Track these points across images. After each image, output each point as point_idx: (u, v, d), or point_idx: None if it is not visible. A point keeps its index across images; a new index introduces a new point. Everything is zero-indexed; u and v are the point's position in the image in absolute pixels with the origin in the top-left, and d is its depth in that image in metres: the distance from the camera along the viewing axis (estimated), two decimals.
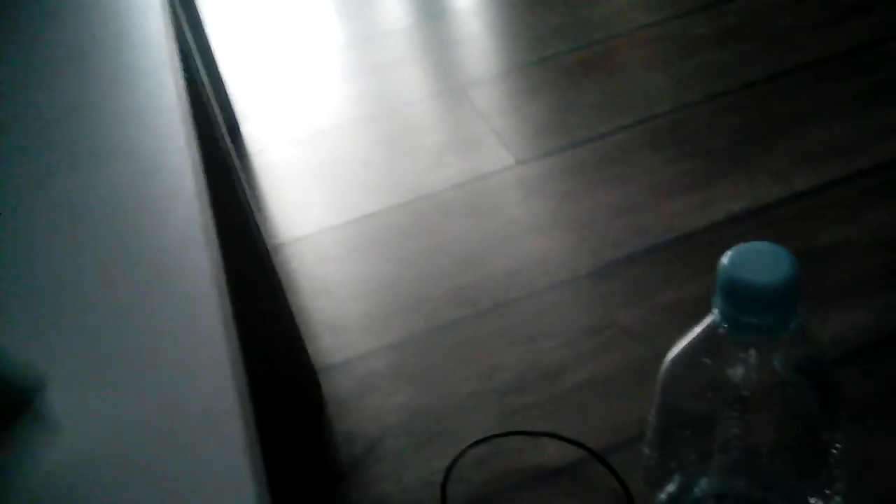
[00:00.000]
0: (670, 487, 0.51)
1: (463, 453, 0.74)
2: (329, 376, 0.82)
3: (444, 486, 0.72)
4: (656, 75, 1.11)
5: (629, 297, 0.86)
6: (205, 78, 0.66)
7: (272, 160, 1.09)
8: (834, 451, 0.47)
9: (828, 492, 0.47)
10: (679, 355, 0.47)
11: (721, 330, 0.42)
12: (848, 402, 0.73)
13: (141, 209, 0.32)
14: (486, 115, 1.09)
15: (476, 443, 0.75)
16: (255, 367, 0.74)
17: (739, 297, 0.40)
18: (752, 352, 0.44)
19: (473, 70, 1.18)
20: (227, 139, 0.61)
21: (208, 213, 0.31)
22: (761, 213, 0.91)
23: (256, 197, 1.04)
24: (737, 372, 0.46)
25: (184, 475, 0.24)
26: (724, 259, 0.41)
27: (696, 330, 0.45)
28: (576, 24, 1.21)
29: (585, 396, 0.78)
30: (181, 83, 0.38)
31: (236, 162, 0.63)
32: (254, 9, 1.39)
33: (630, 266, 0.88)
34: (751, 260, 0.40)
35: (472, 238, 0.93)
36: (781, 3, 1.18)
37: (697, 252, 0.89)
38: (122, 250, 0.31)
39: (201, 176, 0.33)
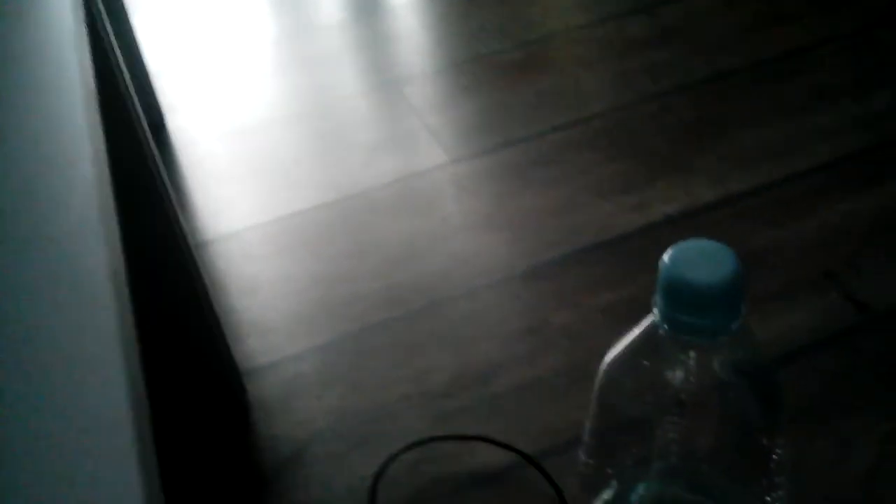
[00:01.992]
0: (606, 494, 0.50)
1: (393, 458, 0.72)
2: (255, 379, 0.79)
3: (373, 491, 0.70)
4: (592, 75, 1.10)
5: (564, 298, 0.84)
6: (126, 68, 0.63)
7: (200, 154, 1.05)
8: (774, 457, 0.45)
9: (768, 498, 0.46)
10: (617, 357, 0.45)
11: (661, 331, 0.41)
12: (784, 404, 0.73)
13: (32, 197, 0.29)
14: (421, 112, 1.07)
15: (407, 447, 0.73)
16: (176, 368, 0.70)
17: (680, 297, 0.39)
18: (693, 354, 0.43)
19: (408, 67, 1.16)
20: (146, 129, 0.57)
21: (109, 202, 0.29)
22: (697, 215, 0.90)
23: (182, 192, 1.00)
24: (676, 375, 0.44)
25: (69, 489, 0.22)
26: (665, 257, 0.40)
27: (635, 331, 0.43)
28: (512, 23, 1.20)
29: (520, 399, 0.76)
30: (87, 63, 0.35)
31: (156, 154, 0.60)
32: (184, 0, 1.35)
33: (565, 267, 0.87)
34: (693, 259, 0.39)
35: (405, 237, 0.91)
36: (717, 6, 1.18)
37: (633, 253, 0.88)
38: (7, 241, 0.29)
39: (104, 163, 0.30)
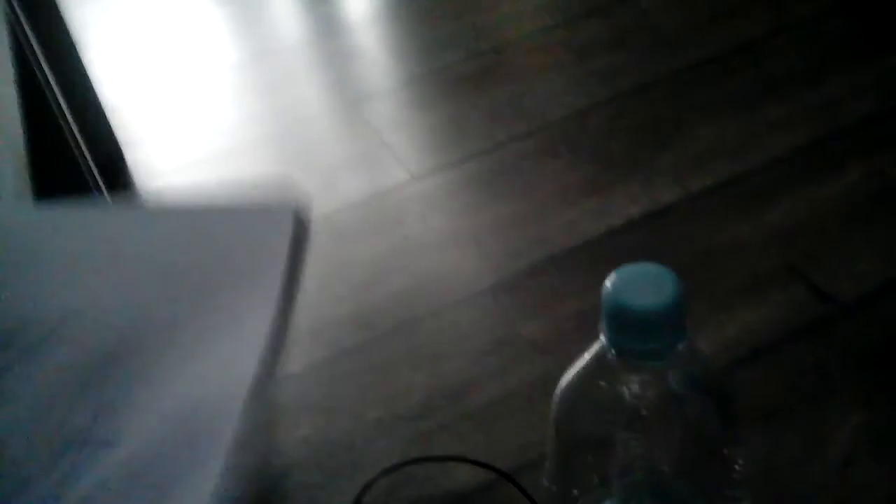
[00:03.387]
0: None
1: (369, 486, 0.72)
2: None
3: None
4: (548, 82, 1.10)
5: (532, 310, 0.84)
6: (68, 107, 0.63)
7: (163, 187, 1.05)
8: (737, 468, 0.46)
9: None
10: (571, 381, 0.45)
11: (609, 356, 0.41)
12: (752, 402, 0.74)
13: None
14: (380, 130, 1.07)
15: (383, 473, 0.73)
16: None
17: (624, 323, 0.39)
18: (645, 373, 0.43)
19: (366, 84, 1.16)
20: (93, 168, 0.57)
21: None
22: (659, 216, 0.91)
23: None
24: (633, 393, 0.44)
25: None
26: (607, 283, 0.40)
27: (586, 356, 0.44)
28: (467, 33, 1.20)
29: (493, 415, 0.76)
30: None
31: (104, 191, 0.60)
32: (141, 32, 1.34)
33: (532, 277, 0.87)
34: (633, 283, 0.39)
35: (370, 259, 0.91)
36: (667, 4, 1.19)
37: (598, 259, 0.88)
38: None
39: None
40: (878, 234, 0.86)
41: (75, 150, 0.57)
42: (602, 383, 0.45)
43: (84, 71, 1.02)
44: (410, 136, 1.06)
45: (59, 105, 0.58)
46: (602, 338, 0.41)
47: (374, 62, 1.21)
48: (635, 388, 0.45)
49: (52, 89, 0.57)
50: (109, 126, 1.07)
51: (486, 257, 0.90)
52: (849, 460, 0.70)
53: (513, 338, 0.82)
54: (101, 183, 0.60)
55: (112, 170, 1.07)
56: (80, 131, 0.86)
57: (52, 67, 0.84)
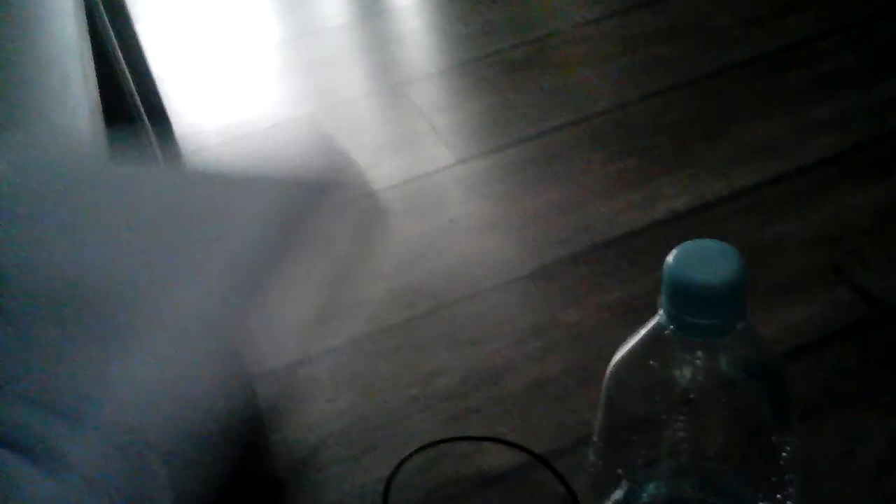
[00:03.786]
0: (617, 494, 0.50)
1: (405, 461, 0.72)
2: (264, 382, 0.80)
3: (385, 494, 0.70)
4: (596, 72, 1.10)
5: (573, 297, 0.84)
6: (130, 76, 0.63)
7: (207, 160, 1.06)
8: (784, 455, 0.45)
9: (779, 496, 0.46)
10: (624, 358, 0.45)
11: (667, 332, 0.41)
12: (795, 399, 0.73)
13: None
14: (426, 113, 1.07)
15: (418, 450, 0.73)
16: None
17: (685, 297, 0.39)
18: (700, 353, 0.43)
19: (412, 67, 1.16)
20: (153, 138, 0.58)
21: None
22: (704, 211, 0.90)
23: None
24: (684, 374, 0.44)
25: None
26: (670, 258, 0.40)
27: (642, 332, 0.43)
28: (515, 21, 1.20)
29: (530, 399, 0.76)
30: (92, 75, 0.35)
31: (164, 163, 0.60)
32: (188, 6, 1.35)
33: (573, 265, 0.87)
34: (697, 258, 0.39)
35: (412, 239, 0.91)
36: (719, 0, 1.18)
37: (640, 250, 0.88)
38: None
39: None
40: None
41: (136, 116, 0.57)
42: (653, 362, 0.45)
43: (137, 39, 1.03)
44: (456, 120, 1.06)
45: (123, 71, 0.58)
46: (660, 313, 0.41)
47: (421, 46, 1.21)
48: (687, 370, 0.44)
49: (117, 54, 0.57)
50: (159, 96, 1.07)
51: (527, 243, 0.90)
52: (885, 463, 0.69)
53: (552, 324, 0.82)
54: (157, 148, 0.60)
55: (161, 139, 1.07)
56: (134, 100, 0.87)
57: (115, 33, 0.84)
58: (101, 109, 0.38)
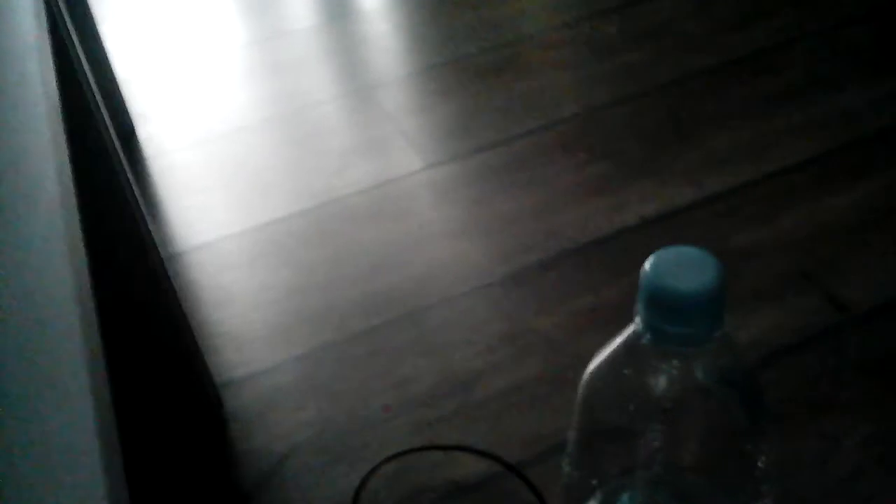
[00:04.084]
0: None
1: (374, 470, 0.71)
2: (232, 392, 0.78)
3: None
4: (566, 77, 1.09)
5: (543, 303, 0.83)
6: (94, 77, 0.62)
7: (172, 163, 1.04)
8: (759, 464, 0.45)
9: None
10: (599, 367, 0.44)
11: (644, 340, 0.40)
12: (768, 409, 0.73)
13: None
14: (394, 117, 1.06)
15: (388, 459, 0.72)
16: (150, 383, 0.69)
17: (662, 306, 0.38)
18: (675, 362, 0.42)
19: (381, 71, 1.15)
20: (115, 139, 0.56)
21: (74, 219, 0.28)
22: (673, 216, 0.90)
23: (154, 202, 0.99)
24: (659, 383, 0.43)
25: None
26: (647, 265, 0.39)
27: (617, 340, 0.42)
28: (485, 26, 1.19)
29: (501, 407, 0.75)
30: (50, 73, 0.34)
31: (125, 164, 0.58)
32: (153, 7, 1.33)
33: (543, 271, 0.86)
34: (674, 266, 0.38)
35: (381, 244, 0.90)
36: (689, 6, 1.18)
37: (610, 256, 0.87)
38: None
39: (68, 177, 0.29)
40: (894, 245, 0.85)
41: (98, 121, 0.56)
42: (628, 372, 0.44)
43: (101, 42, 1.01)
44: (425, 124, 1.05)
45: (86, 74, 0.57)
46: (637, 321, 0.40)
47: (390, 50, 1.20)
48: (662, 380, 0.44)
49: (79, 57, 0.56)
50: (123, 99, 1.05)
51: (497, 249, 0.89)
52: (858, 468, 0.69)
53: (523, 331, 0.81)
54: (122, 154, 0.59)
55: (125, 143, 1.06)
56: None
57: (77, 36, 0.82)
58: (59, 109, 0.37)
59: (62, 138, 0.34)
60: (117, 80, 1.04)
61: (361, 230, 0.92)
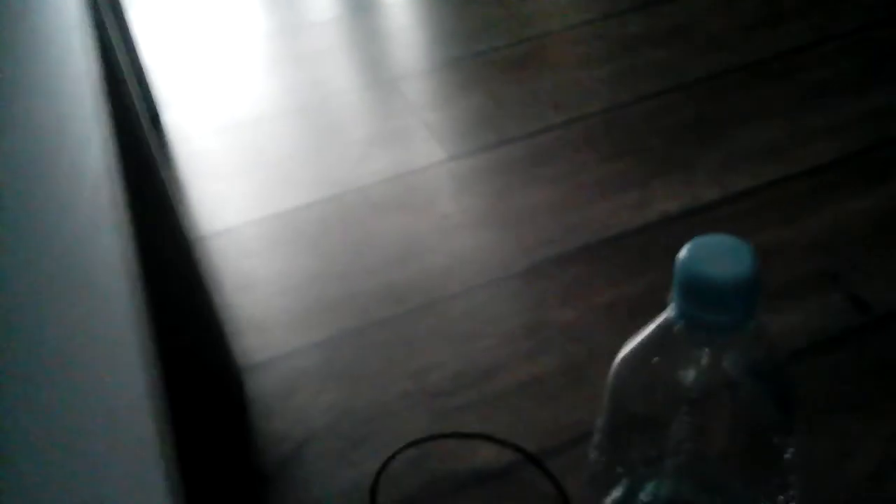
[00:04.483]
0: (616, 492, 0.49)
1: (394, 456, 0.71)
2: (253, 375, 0.79)
3: (373, 490, 0.69)
4: (591, 73, 1.09)
5: (564, 297, 0.83)
6: (124, 60, 0.62)
7: (195, 150, 1.04)
8: (787, 457, 0.45)
9: (781, 498, 0.45)
10: (629, 354, 0.44)
11: (677, 328, 0.40)
12: (797, 402, 0.73)
13: (44, 191, 0.28)
14: (418, 108, 1.06)
15: (407, 445, 0.72)
16: (174, 365, 0.69)
17: (698, 293, 0.38)
18: (707, 352, 0.42)
19: (404, 63, 1.16)
20: (146, 124, 0.57)
21: (119, 196, 0.28)
22: (697, 214, 0.90)
23: (178, 187, 0.99)
24: (689, 374, 0.43)
25: (90, 484, 0.21)
26: (683, 252, 0.39)
27: (650, 327, 0.42)
28: (510, 20, 1.19)
29: (521, 398, 0.75)
30: (92, 51, 0.34)
31: (155, 145, 0.59)
32: None
33: (565, 265, 0.86)
34: (710, 253, 0.38)
35: (403, 234, 0.90)
36: (715, 4, 1.18)
37: (632, 251, 0.87)
38: (19, 236, 0.28)
39: (112, 156, 0.29)
40: None
41: (131, 105, 0.56)
42: (657, 361, 0.44)
43: (129, 27, 1.02)
44: (448, 116, 1.05)
45: (119, 60, 0.57)
46: (671, 308, 0.40)
47: (413, 42, 1.20)
48: (692, 370, 0.44)
49: (113, 43, 0.56)
50: (149, 84, 1.06)
51: (519, 242, 0.89)
52: (880, 468, 0.69)
53: (543, 323, 0.81)
54: (154, 135, 0.59)
55: (151, 127, 1.06)
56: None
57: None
58: (103, 87, 0.37)
59: (106, 119, 0.34)
60: (144, 66, 1.05)
61: (383, 219, 0.92)
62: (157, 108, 1.08)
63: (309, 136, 1.05)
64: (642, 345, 0.44)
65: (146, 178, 0.57)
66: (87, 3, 0.44)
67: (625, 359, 0.45)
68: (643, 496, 0.49)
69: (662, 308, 0.43)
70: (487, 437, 0.72)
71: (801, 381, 0.75)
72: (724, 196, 0.91)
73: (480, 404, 0.75)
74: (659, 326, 0.42)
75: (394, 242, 0.90)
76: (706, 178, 0.94)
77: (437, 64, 1.14)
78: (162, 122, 1.08)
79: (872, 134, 0.97)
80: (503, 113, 1.04)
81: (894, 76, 1.04)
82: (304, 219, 0.93)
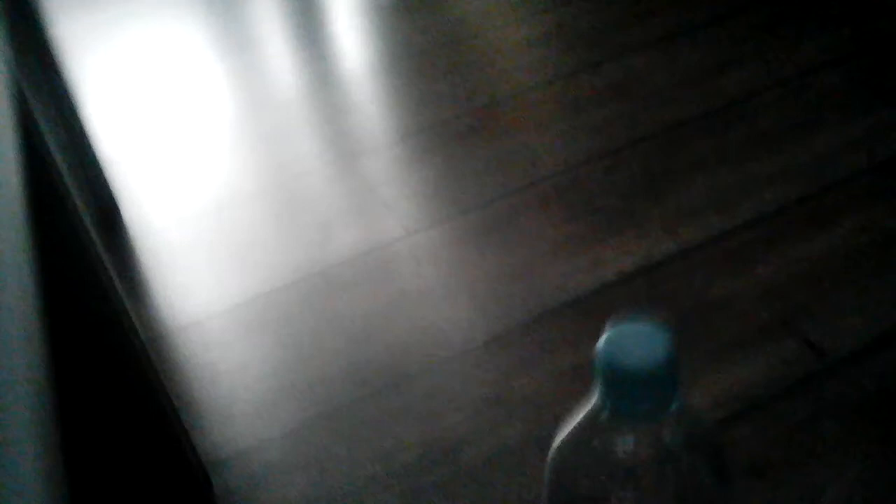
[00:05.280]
0: None
1: None
2: (221, 471, 0.79)
3: None
4: (542, 137, 1.11)
5: (527, 365, 0.84)
6: (73, 160, 0.63)
7: (158, 242, 1.05)
8: None
9: None
10: (564, 442, 0.45)
11: (603, 415, 0.41)
12: (747, 457, 0.73)
13: None
14: (375, 185, 1.08)
15: None
16: (136, 469, 0.70)
17: (618, 383, 0.39)
18: (640, 430, 0.43)
19: (361, 139, 1.17)
20: (87, 228, 0.57)
21: (35, 326, 0.29)
22: (652, 271, 0.91)
23: (140, 282, 1.00)
24: (626, 451, 0.44)
25: None
26: (601, 343, 0.40)
27: (579, 415, 0.43)
28: (462, 89, 1.21)
29: (490, 471, 0.76)
30: (13, 159, 0.35)
31: (100, 251, 0.60)
32: (139, 85, 1.35)
33: (525, 332, 0.87)
34: (627, 344, 0.39)
35: (364, 314, 0.91)
36: (658, 61, 1.20)
37: (591, 313, 0.88)
38: None
39: (28, 279, 0.30)
40: (870, 288, 0.86)
41: (72, 206, 0.57)
42: (595, 442, 0.45)
43: (82, 124, 1.03)
44: (405, 190, 1.07)
45: (54, 159, 0.58)
46: (596, 397, 0.41)
47: (370, 117, 1.22)
48: (629, 446, 0.44)
49: (45, 141, 0.57)
50: (106, 181, 1.07)
51: (480, 311, 0.90)
52: None
53: (507, 393, 0.82)
54: (97, 239, 0.60)
55: (109, 225, 1.07)
56: (79, 186, 0.86)
57: (51, 119, 0.84)
58: (26, 208, 0.38)
59: (24, 227, 0.35)
60: (99, 161, 1.06)
61: (345, 301, 0.93)
62: (117, 204, 1.09)
63: (269, 220, 1.06)
64: (575, 431, 0.44)
65: (85, 281, 0.57)
66: (14, 111, 0.44)
67: (560, 446, 0.46)
68: None
69: None
70: None
71: (763, 431, 0.76)
72: (677, 250, 0.93)
73: (449, 482, 0.76)
74: (588, 413, 0.43)
75: (356, 323, 0.91)
76: (659, 233, 0.95)
77: (393, 138, 1.16)
78: (122, 218, 1.09)
79: (818, 178, 0.99)
80: (459, 183, 1.06)
81: (838, 119, 1.06)
82: (267, 306, 0.94)
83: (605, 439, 0.43)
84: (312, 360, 0.88)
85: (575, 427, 0.44)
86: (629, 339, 0.39)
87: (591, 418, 0.42)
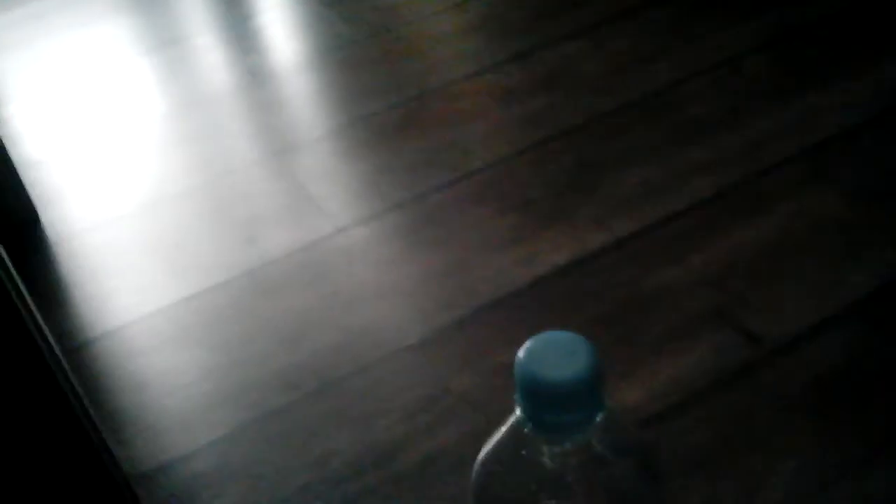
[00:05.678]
0: None
1: None
2: (148, 484, 0.76)
3: None
4: (473, 129, 1.10)
5: (462, 363, 0.83)
6: None
7: (80, 247, 1.02)
8: None
9: None
10: (489, 456, 0.44)
11: (526, 430, 0.39)
12: (685, 450, 0.73)
13: None
14: (304, 182, 1.05)
15: None
16: (53, 491, 0.67)
17: (539, 396, 0.38)
18: (566, 441, 0.42)
19: (291, 135, 1.15)
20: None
21: None
22: (586, 262, 0.90)
23: (61, 289, 0.96)
24: (554, 461, 0.43)
25: None
26: (520, 354, 0.38)
27: (502, 429, 0.42)
28: (390, 82, 1.19)
29: (426, 474, 0.74)
30: None
31: (8, 265, 0.57)
32: (64, 83, 1.30)
33: (460, 329, 0.86)
34: (547, 356, 0.38)
35: (294, 315, 0.89)
36: (587, 50, 1.19)
37: (526, 308, 0.87)
38: None
39: None
40: (807, 274, 0.86)
41: None
42: (522, 452, 0.43)
43: None
44: (335, 187, 1.04)
45: None
46: (517, 411, 0.40)
47: (300, 112, 1.20)
48: (556, 456, 0.43)
49: None
50: (23, 186, 1.03)
51: (413, 310, 0.88)
52: None
53: (442, 393, 0.80)
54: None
55: (24, 230, 1.03)
56: None
57: None
58: None
59: None
60: (14, 167, 1.02)
61: (274, 302, 0.91)
62: (34, 207, 1.05)
63: (197, 220, 1.03)
64: (499, 445, 0.43)
65: None
66: None
67: (485, 460, 0.44)
68: None
69: None
70: None
71: (700, 422, 0.75)
72: (610, 241, 0.92)
73: (384, 486, 0.74)
74: (510, 427, 0.41)
75: (286, 325, 0.88)
76: (592, 225, 0.94)
77: (322, 133, 1.14)
78: (41, 222, 1.05)
79: (751, 165, 0.99)
80: (388, 178, 1.04)
81: (766, 106, 1.06)
82: (195, 310, 0.91)
83: (531, 450, 0.42)
84: (242, 364, 0.85)
85: (498, 441, 0.43)
86: (549, 351, 0.38)
87: (515, 431, 0.41)
